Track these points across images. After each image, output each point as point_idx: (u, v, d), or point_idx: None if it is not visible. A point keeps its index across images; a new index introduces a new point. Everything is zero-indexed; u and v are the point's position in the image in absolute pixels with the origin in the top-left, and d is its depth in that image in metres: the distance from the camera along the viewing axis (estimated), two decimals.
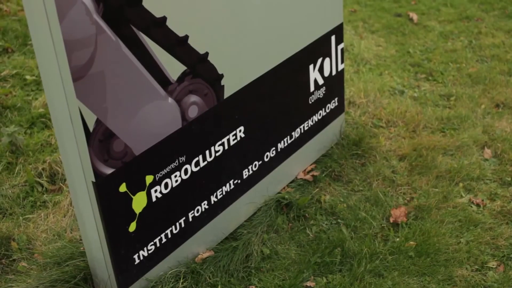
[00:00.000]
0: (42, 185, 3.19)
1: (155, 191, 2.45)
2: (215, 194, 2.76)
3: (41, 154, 3.41)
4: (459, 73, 4.35)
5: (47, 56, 2.07)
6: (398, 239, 2.84)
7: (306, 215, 3.01)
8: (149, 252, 2.51)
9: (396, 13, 5.43)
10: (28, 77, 4.20)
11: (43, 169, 3.26)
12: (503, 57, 4.55)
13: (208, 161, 2.66)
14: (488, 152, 3.45)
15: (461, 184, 3.19)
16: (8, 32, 4.86)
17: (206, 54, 2.52)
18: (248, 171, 2.91)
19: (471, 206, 3.05)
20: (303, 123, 3.20)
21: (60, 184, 3.20)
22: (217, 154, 2.70)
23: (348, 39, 4.85)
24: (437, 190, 3.15)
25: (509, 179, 3.23)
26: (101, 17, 2.08)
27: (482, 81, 4.21)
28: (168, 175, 2.49)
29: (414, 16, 5.31)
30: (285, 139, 3.10)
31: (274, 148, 3.04)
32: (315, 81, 3.21)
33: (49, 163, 3.27)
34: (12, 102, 3.90)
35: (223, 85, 2.65)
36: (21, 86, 4.12)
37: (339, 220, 2.98)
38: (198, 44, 2.46)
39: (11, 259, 2.78)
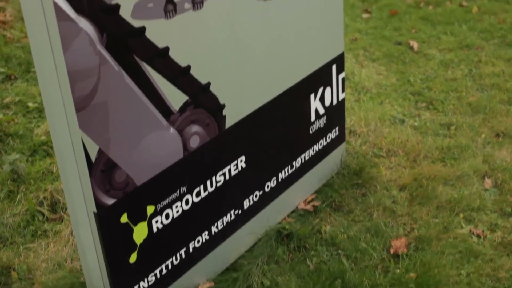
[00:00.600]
0: (43, 214, 3.18)
1: (156, 221, 2.45)
2: (216, 224, 2.76)
3: (42, 182, 3.41)
4: (459, 102, 4.37)
5: (51, 86, 2.08)
6: (398, 271, 2.83)
7: (307, 245, 3.00)
8: (150, 283, 2.50)
9: (396, 41, 5.46)
10: (30, 104, 4.21)
11: (44, 197, 3.26)
12: (503, 86, 4.56)
13: (209, 191, 2.66)
14: (488, 182, 3.45)
15: (461, 215, 3.19)
16: (11, 59, 4.88)
17: (208, 84, 2.54)
18: (249, 201, 2.92)
19: (472, 237, 3.05)
20: (304, 152, 3.21)
21: (61, 213, 3.20)
22: (218, 184, 2.70)
23: (349, 67, 4.87)
24: (437, 220, 3.15)
25: (510, 209, 3.23)
26: (104, 48, 2.10)
27: (482, 110, 4.22)
28: (169, 206, 2.49)
29: (415, 45, 5.34)
30: (286, 169, 3.11)
31: (275, 178, 3.05)
32: (316, 110, 3.23)
33: (50, 192, 3.27)
34: (14, 129, 3.91)
35: (225, 115, 2.66)
36: (23, 113, 4.14)
37: (339, 251, 2.98)
38: (200, 74, 2.48)
39: None
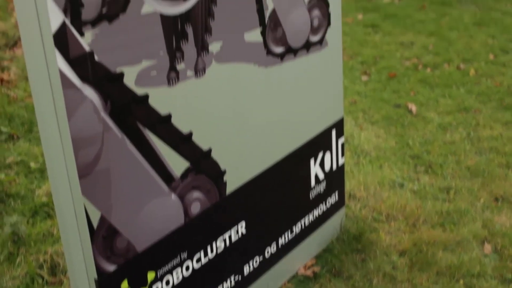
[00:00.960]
0: (42, 277, 3.17)
1: None
2: None
3: (42, 244, 3.41)
4: (458, 165, 4.39)
5: (55, 153, 2.11)
6: None
7: None
8: None
9: (395, 104, 5.51)
10: (32, 164, 4.24)
11: (44, 260, 3.25)
12: (501, 150, 4.59)
13: (209, 257, 2.67)
14: (488, 248, 3.45)
15: (461, 281, 3.18)
16: (14, 119, 4.93)
17: (210, 150, 2.57)
18: (249, 267, 2.92)
19: None
20: (304, 217, 3.22)
21: (61, 276, 3.19)
22: (219, 250, 2.71)
23: (348, 130, 4.91)
24: (437, 287, 3.14)
25: (510, 276, 3.23)
26: (108, 115, 2.13)
27: (480, 174, 4.25)
28: (169, 272, 2.49)
29: (413, 107, 5.39)
30: (285, 234, 3.11)
31: (275, 243, 3.05)
32: (316, 176, 3.25)
33: (50, 255, 3.26)
34: (15, 190, 3.92)
35: (226, 181, 2.68)
36: (25, 174, 4.15)
37: None
38: (201, 140, 2.51)
39: None
